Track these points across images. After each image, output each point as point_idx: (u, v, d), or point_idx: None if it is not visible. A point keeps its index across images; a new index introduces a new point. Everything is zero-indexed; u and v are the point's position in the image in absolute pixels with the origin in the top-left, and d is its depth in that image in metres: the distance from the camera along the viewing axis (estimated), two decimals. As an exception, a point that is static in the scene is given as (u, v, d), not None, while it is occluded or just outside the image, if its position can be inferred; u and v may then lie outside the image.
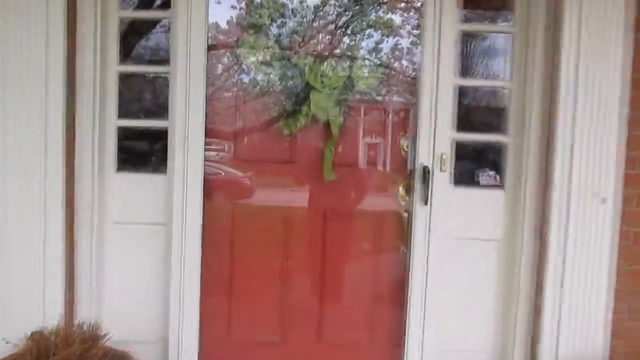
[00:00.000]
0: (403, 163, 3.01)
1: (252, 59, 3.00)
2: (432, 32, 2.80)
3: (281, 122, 3.02)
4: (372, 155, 3.06)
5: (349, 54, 3.01)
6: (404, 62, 3.00)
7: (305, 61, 2.97)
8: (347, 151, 3.02)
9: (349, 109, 2.99)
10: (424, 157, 2.88)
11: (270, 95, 3.03)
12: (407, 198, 2.95)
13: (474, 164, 3.08)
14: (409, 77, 3.01)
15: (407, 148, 3.01)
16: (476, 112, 3.19)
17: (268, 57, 2.98)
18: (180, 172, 2.84)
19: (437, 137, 2.87)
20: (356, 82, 2.95)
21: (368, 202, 3.05)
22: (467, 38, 2.99)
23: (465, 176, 3.02)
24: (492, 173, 2.99)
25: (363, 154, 3.05)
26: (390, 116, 3.04)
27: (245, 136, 3.09)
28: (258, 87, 3.02)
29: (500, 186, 2.94)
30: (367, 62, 2.94)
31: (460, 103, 2.91)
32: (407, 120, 3.03)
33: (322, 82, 2.96)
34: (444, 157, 2.86)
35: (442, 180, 2.87)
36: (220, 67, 3.06)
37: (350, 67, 2.96)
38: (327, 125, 2.98)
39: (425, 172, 2.83)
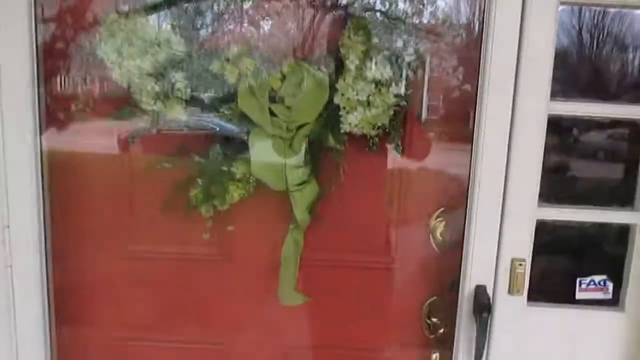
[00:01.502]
0: (434, 270, 1.58)
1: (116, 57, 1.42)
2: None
3: (194, 194, 1.49)
4: (371, 250, 1.60)
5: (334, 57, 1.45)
6: (441, 72, 1.47)
7: (238, 68, 1.41)
8: (323, 245, 1.56)
9: (328, 165, 1.48)
10: (478, 269, 1.43)
11: (167, 139, 1.48)
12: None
13: (567, 262, 1.67)
14: (449, 100, 1.49)
15: (442, 237, 1.56)
16: (579, 168, 1.72)
17: (153, 58, 1.41)
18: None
19: (508, 223, 1.41)
20: (346, 116, 1.42)
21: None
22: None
23: (549, 285, 1.61)
24: (600, 280, 1.58)
25: (355, 250, 1.59)
26: (404, 179, 1.55)
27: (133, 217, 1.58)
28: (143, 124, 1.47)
29: (614, 303, 1.53)
30: (370, 74, 1.39)
31: (550, 149, 1.43)
32: (442, 188, 1.55)
33: (273, 114, 1.43)
34: (518, 269, 1.42)
35: (510, 307, 1.46)
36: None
37: (335, 87, 1.42)
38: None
39: (482, 305, 1.40)
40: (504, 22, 1.33)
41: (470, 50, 1.43)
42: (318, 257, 1.59)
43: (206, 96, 1.43)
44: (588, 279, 1.58)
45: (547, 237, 1.53)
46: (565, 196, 1.54)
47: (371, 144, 1.47)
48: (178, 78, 1.41)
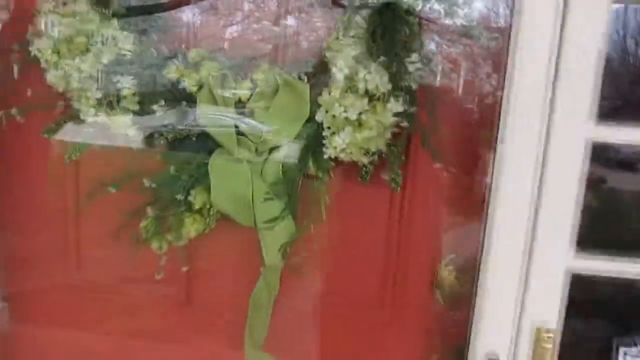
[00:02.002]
0: (440, 330, 1.26)
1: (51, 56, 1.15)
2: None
3: (144, 226, 1.21)
4: (359, 303, 1.29)
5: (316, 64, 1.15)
6: (455, 85, 1.16)
7: (198, 74, 1.12)
8: (301, 293, 1.27)
9: (308, 199, 1.18)
10: (491, 337, 1.12)
11: (114, 157, 1.21)
12: None
13: (607, 327, 1.34)
14: (464, 122, 1.18)
15: (450, 289, 1.25)
16: (629, 209, 1.40)
17: (95, 58, 1.14)
18: None
19: (533, 278, 1.10)
20: (331, 138, 1.11)
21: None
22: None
23: (583, 356, 1.29)
24: None
25: (340, 302, 1.28)
26: (404, 218, 1.24)
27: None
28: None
29: (669, 386, 1.21)
30: (363, 86, 1.08)
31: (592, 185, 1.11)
32: (453, 231, 1.24)
33: (240, 133, 1.14)
34: (545, 343, 1.11)
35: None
36: None
37: (318, 101, 1.12)
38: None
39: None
40: (538, 23, 1.01)
41: (499, 58, 1.12)
42: (294, 308, 1.29)
43: (159, 107, 1.15)
44: (635, 350, 1.25)
45: (582, 295, 1.19)
46: (608, 244, 1.21)
47: (363, 174, 1.17)
48: (124, 83, 1.14)
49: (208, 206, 1.19)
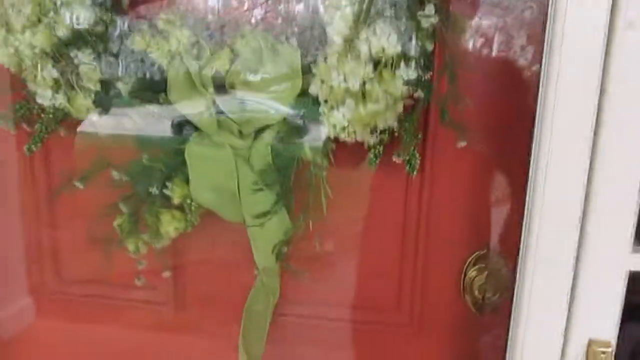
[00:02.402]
0: (469, 339, 1.06)
1: None
2: None
3: (118, 224, 1.04)
4: (371, 307, 1.10)
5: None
6: (484, 45, 0.94)
7: (168, 43, 0.93)
8: (302, 297, 1.08)
9: (305, 188, 0.98)
10: (534, 352, 0.91)
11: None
12: None
13: None
14: (495, 91, 0.96)
15: (480, 292, 1.03)
16: None
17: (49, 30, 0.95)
18: None
19: (584, 280, 0.88)
20: (330, 114, 0.91)
21: None
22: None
23: None
24: None
25: (346, 305, 1.09)
26: (423, 209, 1.03)
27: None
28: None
29: None
30: (366, 49, 0.87)
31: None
32: (482, 223, 1.02)
33: (220, 112, 0.95)
34: (599, 358, 0.89)
35: None
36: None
37: (312, 69, 0.91)
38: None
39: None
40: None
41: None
42: (296, 314, 1.10)
43: (123, 86, 0.96)
44: None
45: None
46: None
47: (371, 157, 0.96)
48: (83, 58, 0.96)
49: (189, 200, 1.00)
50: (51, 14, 0.96)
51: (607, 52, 0.79)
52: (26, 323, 1.22)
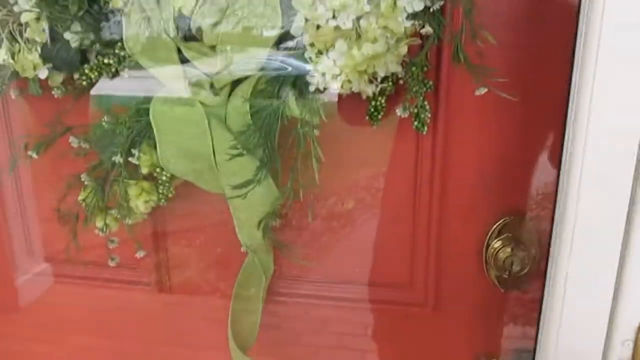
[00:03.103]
0: (493, 320, 0.91)
1: None
2: None
3: (83, 199, 0.90)
4: (381, 282, 0.95)
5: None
6: None
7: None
8: (297, 273, 0.94)
9: (292, 152, 0.82)
10: (574, 337, 0.76)
11: (40, 106, 0.89)
12: None
13: None
14: (519, 28, 0.77)
15: (506, 266, 0.87)
16: None
17: None
18: None
19: (633, 259, 0.70)
20: (318, 59, 0.74)
21: None
22: None
23: None
24: None
25: (348, 281, 0.94)
26: (436, 171, 0.86)
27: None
28: None
29: None
30: None
31: None
32: (506, 187, 0.85)
33: (186, 61, 0.79)
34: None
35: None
36: None
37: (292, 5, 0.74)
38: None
39: None
40: None
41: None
42: (293, 294, 0.97)
43: (71, 36, 0.81)
44: None
45: None
46: None
47: (372, 111, 0.80)
48: (23, 4, 0.80)
49: (159, 169, 0.86)
50: (-18, -49, 0.80)
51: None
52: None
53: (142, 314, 1.03)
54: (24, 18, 0.81)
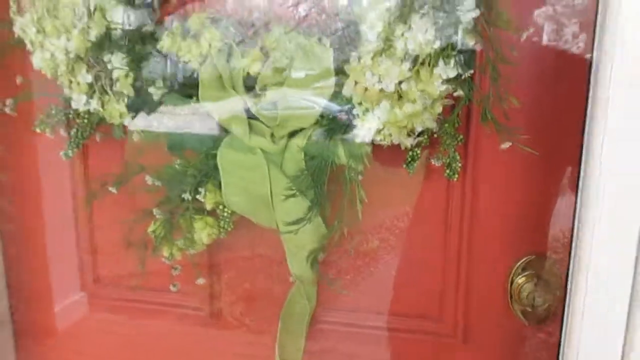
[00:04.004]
0: (519, 351, 1.00)
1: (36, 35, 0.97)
2: None
3: (152, 230, 1.03)
4: (413, 315, 1.05)
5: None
6: (531, 43, 0.87)
7: (199, 46, 0.91)
8: (341, 305, 1.04)
9: (340, 194, 0.94)
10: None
11: (116, 150, 1.03)
12: None
13: None
14: (542, 92, 0.89)
15: (531, 301, 0.97)
16: None
17: (83, 35, 0.95)
18: None
19: None
20: (364, 116, 0.86)
21: None
22: None
23: None
24: None
25: (384, 313, 1.05)
26: (465, 213, 0.98)
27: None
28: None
29: None
30: (401, 47, 0.82)
31: None
32: (530, 227, 0.96)
33: (252, 116, 0.92)
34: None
35: None
36: None
37: (345, 70, 0.87)
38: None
39: None
40: None
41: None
42: (334, 322, 1.07)
43: (155, 90, 0.95)
44: None
45: None
46: None
47: (409, 160, 0.92)
48: (116, 62, 0.95)
49: (222, 206, 0.98)
50: (85, 19, 0.95)
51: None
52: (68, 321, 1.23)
53: (193, 337, 1.15)
54: (115, 74, 0.95)
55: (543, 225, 0.96)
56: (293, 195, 0.92)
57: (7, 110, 1.05)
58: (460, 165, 0.90)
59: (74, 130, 1.02)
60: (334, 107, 0.89)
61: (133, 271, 1.10)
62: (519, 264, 0.98)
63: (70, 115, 1.03)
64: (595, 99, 0.79)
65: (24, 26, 0.99)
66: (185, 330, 1.14)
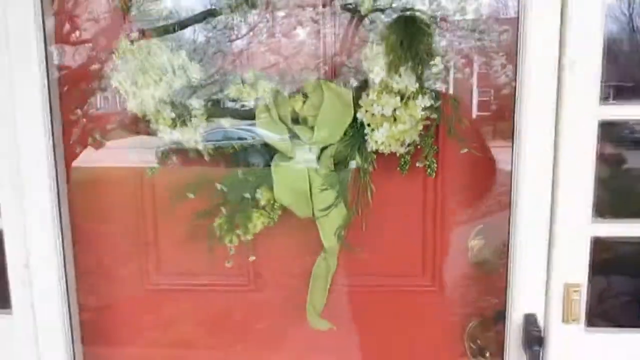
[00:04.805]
0: (476, 292, 1.46)
1: (130, 86, 1.37)
2: None
3: (217, 224, 1.43)
4: (405, 274, 1.49)
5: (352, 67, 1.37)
6: (468, 82, 1.37)
7: (256, 92, 1.34)
8: (355, 269, 1.47)
9: (356, 187, 1.38)
10: (527, 296, 1.32)
11: (187, 167, 1.43)
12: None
13: (629, 282, 1.53)
14: (483, 112, 1.39)
15: (482, 256, 1.44)
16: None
17: (168, 86, 1.35)
18: None
19: (558, 243, 1.31)
20: (372, 133, 1.32)
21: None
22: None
23: (609, 308, 1.47)
24: None
25: (388, 274, 1.49)
26: (439, 199, 1.45)
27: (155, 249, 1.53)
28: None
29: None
30: (395, 87, 1.29)
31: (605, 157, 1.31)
32: (480, 206, 1.44)
33: (295, 137, 1.36)
34: (573, 296, 1.29)
35: (565, 337, 1.34)
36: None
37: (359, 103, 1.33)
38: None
39: (533, 338, 1.28)
40: (541, 18, 1.22)
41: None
42: (349, 282, 1.49)
43: (225, 122, 1.37)
44: None
45: (605, 255, 1.38)
46: (623, 209, 1.40)
47: (402, 164, 1.37)
48: (195, 105, 1.36)
49: (272, 202, 1.39)
50: (169, 74, 1.36)
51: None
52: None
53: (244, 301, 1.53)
54: (194, 113, 1.36)
55: (489, 203, 1.44)
56: (325, 189, 1.35)
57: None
58: (436, 166, 1.37)
59: (161, 154, 1.41)
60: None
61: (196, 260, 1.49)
62: (474, 231, 1.45)
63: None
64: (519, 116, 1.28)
65: (120, 80, 1.38)
66: (238, 299, 1.53)
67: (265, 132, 1.36)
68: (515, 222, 1.32)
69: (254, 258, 1.47)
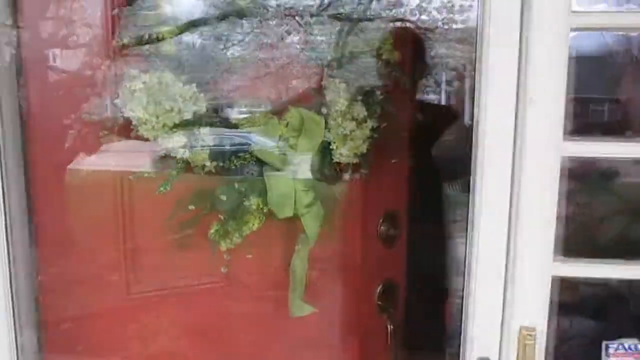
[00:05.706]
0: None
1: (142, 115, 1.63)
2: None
3: (216, 230, 1.74)
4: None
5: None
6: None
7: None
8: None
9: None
10: (481, 338, 1.28)
11: (187, 182, 1.72)
12: None
13: (591, 324, 1.70)
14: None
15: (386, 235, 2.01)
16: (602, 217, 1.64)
17: (179, 115, 1.65)
18: None
19: (514, 283, 1.24)
20: (337, 149, 1.81)
21: None
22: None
23: (570, 352, 1.57)
24: (631, 344, 1.37)
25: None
26: (369, 196, 1.99)
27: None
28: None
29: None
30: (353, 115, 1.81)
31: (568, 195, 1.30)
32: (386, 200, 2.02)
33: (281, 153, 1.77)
34: (527, 340, 1.22)
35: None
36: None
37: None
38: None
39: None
40: (500, 60, 1.18)
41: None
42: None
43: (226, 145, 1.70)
44: (616, 343, 1.36)
45: (566, 296, 1.35)
46: (586, 249, 1.29)
47: (350, 172, 1.87)
48: (203, 132, 1.66)
49: (261, 207, 1.76)
50: (180, 105, 1.64)
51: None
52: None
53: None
54: (204, 138, 1.66)
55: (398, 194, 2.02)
56: (307, 190, 1.78)
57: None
58: (367, 171, 1.90)
59: (171, 173, 1.66)
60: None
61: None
62: (381, 217, 2.02)
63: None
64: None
65: (133, 108, 1.61)
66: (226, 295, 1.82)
67: (263, 139, 1.72)
68: (470, 263, 1.25)
69: (251, 256, 1.78)
